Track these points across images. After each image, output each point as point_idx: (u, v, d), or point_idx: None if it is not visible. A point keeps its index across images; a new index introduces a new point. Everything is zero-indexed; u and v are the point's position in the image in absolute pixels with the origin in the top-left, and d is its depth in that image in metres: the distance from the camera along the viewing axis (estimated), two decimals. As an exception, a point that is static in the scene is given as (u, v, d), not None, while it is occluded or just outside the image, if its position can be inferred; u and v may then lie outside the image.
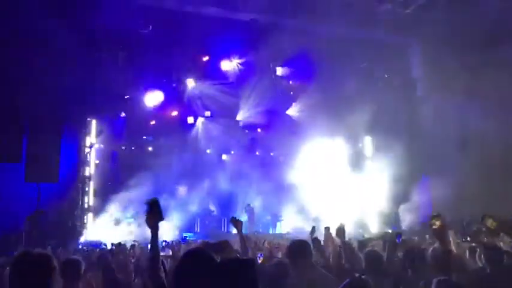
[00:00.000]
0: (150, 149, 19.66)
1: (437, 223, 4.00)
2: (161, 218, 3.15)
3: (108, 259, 6.69)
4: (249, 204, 18.82)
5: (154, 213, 3.13)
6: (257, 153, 20.88)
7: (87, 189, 17.27)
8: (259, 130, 20.81)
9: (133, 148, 19.39)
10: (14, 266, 2.77)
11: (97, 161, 17.90)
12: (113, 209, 17.46)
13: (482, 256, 4.80)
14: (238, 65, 19.43)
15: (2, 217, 14.58)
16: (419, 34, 19.55)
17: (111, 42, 17.27)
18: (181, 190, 18.59)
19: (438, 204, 19.24)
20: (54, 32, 14.77)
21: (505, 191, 17.59)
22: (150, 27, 17.40)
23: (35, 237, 14.19)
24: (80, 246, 13.86)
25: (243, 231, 4.93)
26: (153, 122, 19.12)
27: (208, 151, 20.51)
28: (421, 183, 19.85)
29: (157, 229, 3.15)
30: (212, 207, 19.34)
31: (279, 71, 20.26)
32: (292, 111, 20.80)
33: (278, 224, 19.66)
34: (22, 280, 2.68)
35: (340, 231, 5.59)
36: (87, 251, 11.29)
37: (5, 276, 6.40)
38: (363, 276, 3.54)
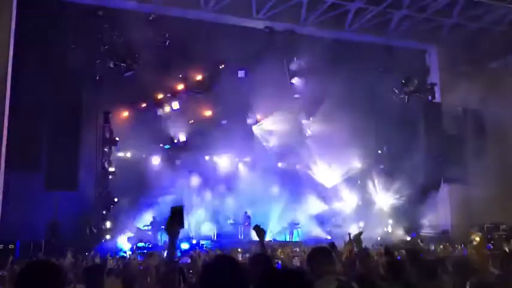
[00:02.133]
0: (167, 156, 19.76)
1: (477, 239, 3.91)
2: (182, 226, 3.10)
3: (128, 266, 6.71)
4: (246, 212, 18.72)
5: (176, 220, 3.09)
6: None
7: (105, 196, 17.37)
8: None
9: (151, 156, 19.49)
10: (19, 279, 2.68)
11: (113, 169, 17.98)
12: (131, 217, 17.57)
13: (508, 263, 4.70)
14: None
15: (22, 225, 14.76)
16: (436, 39, 19.44)
17: (128, 52, 17.47)
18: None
19: (457, 211, 19.03)
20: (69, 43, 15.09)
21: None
22: (167, 40, 17.58)
23: (54, 245, 14.35)
24: (99, 253, 13.90)
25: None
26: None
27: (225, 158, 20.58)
28: (440, 189, 19.62)
29: (177, 236, 3.12)
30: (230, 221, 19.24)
31: (295, 80, 20.28)
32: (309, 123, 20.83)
33: (295, 232, 19.53)
34: None
35: (357, 239, 5.66)
36: (106, 258, 11.33)
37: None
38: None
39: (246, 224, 18.09)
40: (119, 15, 16.77)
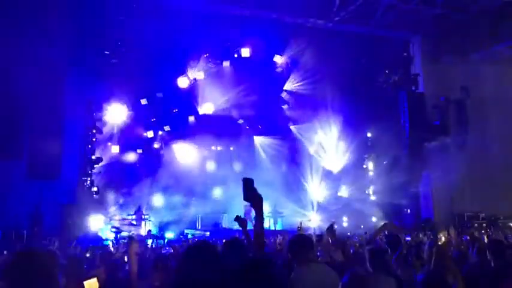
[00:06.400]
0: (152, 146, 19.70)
1: (443, 239, 3.98)
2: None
3: (110, 256, 6.67)
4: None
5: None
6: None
7: (89, 186, 17.24)
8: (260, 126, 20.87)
9: (136, 145, 19.42)
10: (16, 263, 2.67)
11: (97, 158, 17.83)
12: (115, 206, 17.51)
13: (486, 250, 4.80)
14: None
15: (3, 215, 14.58)
16: (419, 29, 19.52)
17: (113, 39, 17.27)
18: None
19: (438, 199, 19.29)
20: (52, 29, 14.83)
21: (505, 186, 17.64)
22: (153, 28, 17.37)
23: (36, 235, 14.21)
24: (81, 244, 13.82)
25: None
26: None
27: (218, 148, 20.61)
28: (422, 178, 19.85)
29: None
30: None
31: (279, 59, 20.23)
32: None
33: (279, 220, 19.65)
34: (25, 278, 2.60)
35: (330, 230, 5.81)
36: (89, 248, 11.27)
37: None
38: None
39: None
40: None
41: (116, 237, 15.94)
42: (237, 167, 19.61)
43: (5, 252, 9.31)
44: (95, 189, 17.25)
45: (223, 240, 3.88)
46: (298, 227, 7.96)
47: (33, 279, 2.58)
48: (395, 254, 5.60)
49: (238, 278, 2.39)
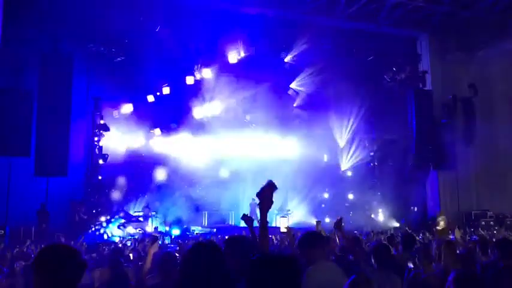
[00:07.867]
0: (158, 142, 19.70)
1: (442, 223, 3.98)
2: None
3: (116, 254, 6.65)
4: (253, 199, 18.75)
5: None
6: None
7: (95, 183, 17.29)
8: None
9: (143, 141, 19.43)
10: (42, 259, 2.55)
11: (104, 155, 17.90)
12: (122, 203, 17.56)
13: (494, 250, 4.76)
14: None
15: (11, 211, 14.68)
16: (427, 27, 19.41)
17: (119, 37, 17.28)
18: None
19: (446, 198, 19.23)
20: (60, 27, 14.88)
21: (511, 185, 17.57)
22: (158, 26, 17.36)
23: (44, 232, 14.31)
24: (88, 240, 13.88)
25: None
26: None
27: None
28: (429, 177, 19.78)
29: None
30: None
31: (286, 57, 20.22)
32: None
33: (285, 217, 19.63)
34: (52, 274, 2.48)
35: (338, 224, 5.80)
36: (96, 246, 11.31)
37: (16, 269, 6.44)
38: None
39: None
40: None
41: (122, 235, 16.00)
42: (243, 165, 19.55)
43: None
44: (101, 185, 17.31)
45: (226, 237, 3.84)
46: (317, 228, 7.77)
47: (59, 276, 2.53)
48: (410, 252, 5.57)
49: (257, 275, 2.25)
